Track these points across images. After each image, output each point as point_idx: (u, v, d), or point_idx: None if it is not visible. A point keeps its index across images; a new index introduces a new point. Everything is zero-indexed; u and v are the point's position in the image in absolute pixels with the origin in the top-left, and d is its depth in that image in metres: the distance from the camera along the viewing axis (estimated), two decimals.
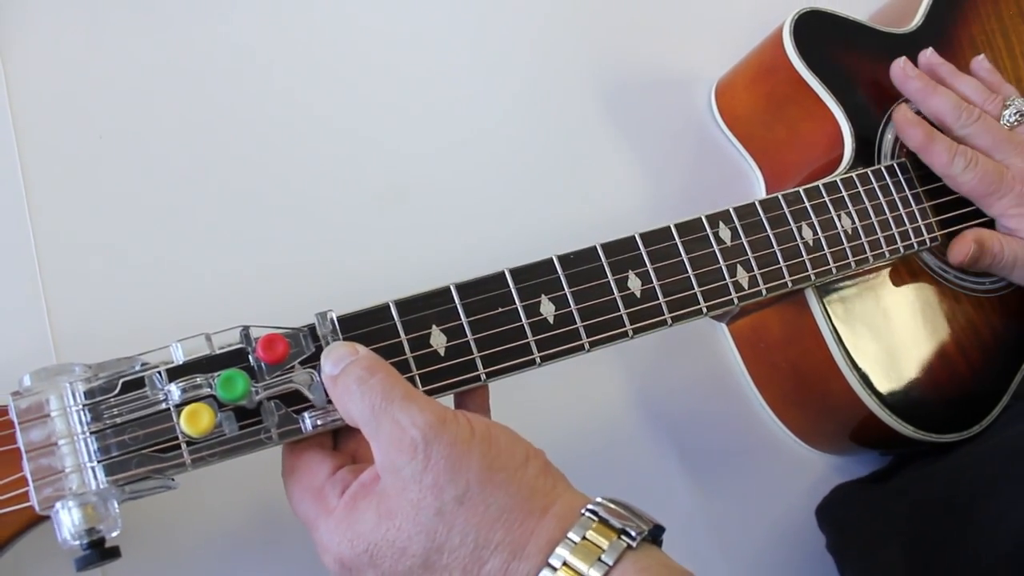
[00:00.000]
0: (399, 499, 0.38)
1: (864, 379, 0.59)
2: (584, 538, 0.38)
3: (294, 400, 0.43)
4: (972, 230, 0.63)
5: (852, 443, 0.66)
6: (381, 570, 0.39)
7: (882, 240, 0.61)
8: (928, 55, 0.68)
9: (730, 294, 0.54)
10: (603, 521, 0.39)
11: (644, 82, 0.73)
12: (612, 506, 0.39)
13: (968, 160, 0.62)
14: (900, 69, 0.67)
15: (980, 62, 0.70)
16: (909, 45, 0.70)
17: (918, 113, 0.66)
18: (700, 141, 0.73)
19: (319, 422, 0.43)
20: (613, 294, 0.51)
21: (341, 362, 0.42)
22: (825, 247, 0.58)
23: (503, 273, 0.49)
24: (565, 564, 0.37)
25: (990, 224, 0.65)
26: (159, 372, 0.42)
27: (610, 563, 0.37)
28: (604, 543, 0.38)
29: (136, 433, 0.40)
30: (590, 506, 0.39)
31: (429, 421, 0.39)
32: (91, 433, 0.40)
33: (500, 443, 0.40)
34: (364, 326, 0.46)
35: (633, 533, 0.38)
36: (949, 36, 0.72)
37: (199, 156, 0.60)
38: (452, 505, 0.38)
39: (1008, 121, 0.65)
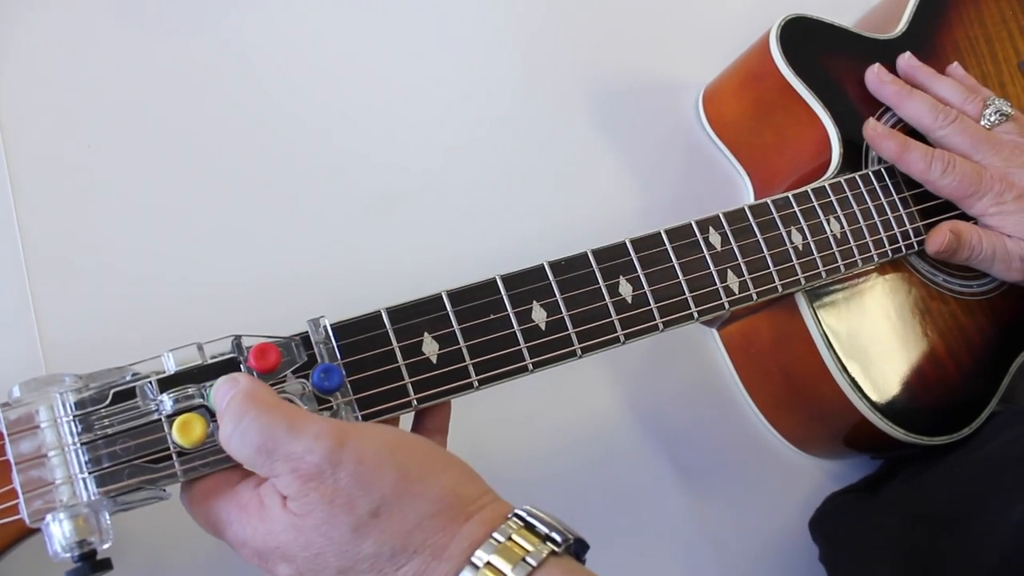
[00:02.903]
0: (308, 518, 0.37)
1: (854, 383, 0.59)
2: (510, 538, 0.37)
3: None
4: (949, 221, 0.63)
5: (844, 447, 0.66)
6: (295, 565, 0.38)
7: (870, 244, 0.61)
8: (906, 59, 0.69)
9: (721, 299, 0.55)
10: (528, 526, 0.38)
11: (632, 90, 0.74)
12: (539, 512, 0.39)
13: (945, 164, 0.62)
14: (875, 75, 0.67)
15: (954, 69, 0.70)
16: (894, 50, 0.70)
17: (896, 124, 0.66)
18: (689, 148, 0.74)
19: None
20: (604, 300, 0.51)
21: (223, 402, 0.40)
22: (815, 251, 0.59)
23: (494, 280, 0.49)
24: (488, 564, 0.36)
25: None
26: (150, 382, 0.41)
27: (534, 564, 0.36)
28: (529, 547, 0.37)
29: (127, 444, 0.40)
30: (517, 511, 0.39)
31: (327, 446, 0.38)
32: (82, 444, 0.40)
33: (415, 453, 0.40)
34: (356, 334, 0.46)
35: (559, 539, 0.38)
36: (933, 42, 0.73)
37: (189, 165, 0.60)
38: (367, 518, 0.37)
39: (989, 121, 0.65)
